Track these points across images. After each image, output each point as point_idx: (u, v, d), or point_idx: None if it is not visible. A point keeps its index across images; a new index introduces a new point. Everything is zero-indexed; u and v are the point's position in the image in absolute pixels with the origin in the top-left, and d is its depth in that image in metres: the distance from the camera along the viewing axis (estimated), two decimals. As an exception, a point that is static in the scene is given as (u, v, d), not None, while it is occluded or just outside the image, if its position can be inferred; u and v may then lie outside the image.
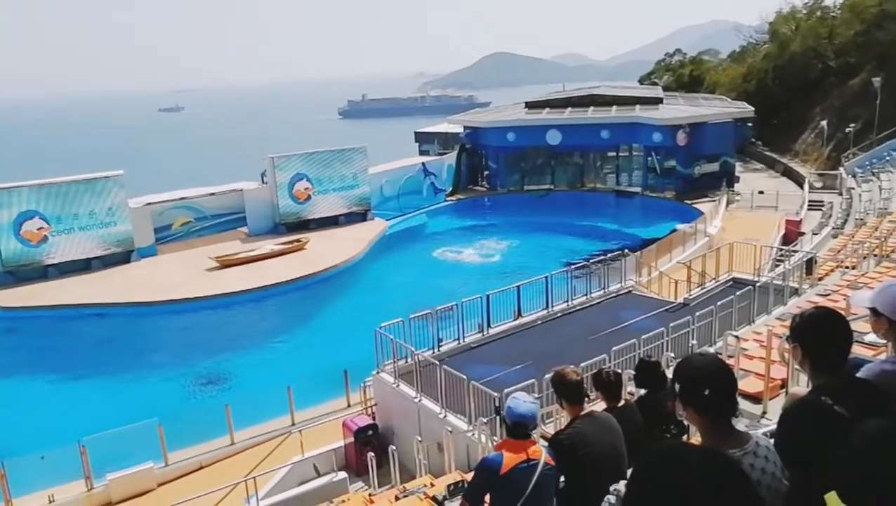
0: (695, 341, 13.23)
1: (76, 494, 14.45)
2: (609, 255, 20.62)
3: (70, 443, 14.57)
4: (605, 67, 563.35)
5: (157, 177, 63.65)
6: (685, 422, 5.88)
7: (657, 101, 43.95)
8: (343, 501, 11.99)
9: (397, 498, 9.16)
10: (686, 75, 68.74)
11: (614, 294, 19.02)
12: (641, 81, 75.02)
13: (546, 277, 18.14)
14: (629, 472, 1.65)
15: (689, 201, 37.15)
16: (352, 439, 14.71)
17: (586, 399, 4.76)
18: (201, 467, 15.61)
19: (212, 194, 34.71)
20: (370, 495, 12.06)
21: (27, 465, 14.21)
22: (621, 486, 3.31)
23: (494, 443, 10.86)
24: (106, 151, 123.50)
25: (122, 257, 30.76)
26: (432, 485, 9.43)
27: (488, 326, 16.73)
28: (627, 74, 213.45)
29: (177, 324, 25.88)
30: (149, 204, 32.50)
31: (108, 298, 26.67)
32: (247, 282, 27.52)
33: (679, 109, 42.03)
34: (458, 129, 48.13)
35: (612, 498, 3.30)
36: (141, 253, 31.28)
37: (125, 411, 17.96)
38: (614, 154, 43.65)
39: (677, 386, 2.51)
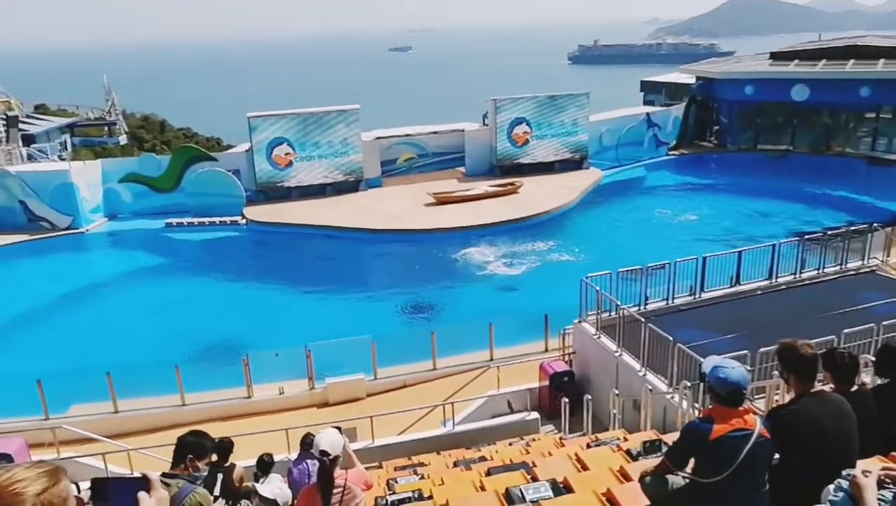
0: (956, 334, 11.42)
1: (300, 390, 16.40)
2: (852, 228, 18.33)
3: (297, 346, 16.50)
4: (876, 14, 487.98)
5: (384, 113, 67.61)
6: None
7: (940, 54, 37.37)
8: (534, 439, 12.33)
9: (589, 446, 9.19)
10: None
11: (853, 272, 16.95)
12: (921, 31, 64.18)
13: (773, 246, 16.70)
14: None
15: (964, 175, 31.64)
16: (547, 383, 14.96)
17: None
18: (405, 386, 16.86)
19: (435, 133, 36.25)
20: (561, 438, 12.24)
21: (264, 359, 16.38)
22: (857, 472, 3.00)
23: (696, 408, 10.42)
24: (340, 86, 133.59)
25: (352, 186, 33.47)
26: (626, 439, 9.32)
27: (701, 289, 15.85)
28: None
29: (395, 252, 27.89)
30: (378, 138, 34.83)
31: (339, 221, 29.33)
32: (461, 219, 28.69)
33: (967, 66, 35.39)
34: (689, 79, 44.98)
35: (843, 483, 3.01)
36: (369, 183, 33.80)
37: (343, 325, 19.93)
38: (874, 115, 38.13)
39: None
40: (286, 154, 32.31)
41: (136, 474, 2.56)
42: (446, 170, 36.08)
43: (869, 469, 3.07)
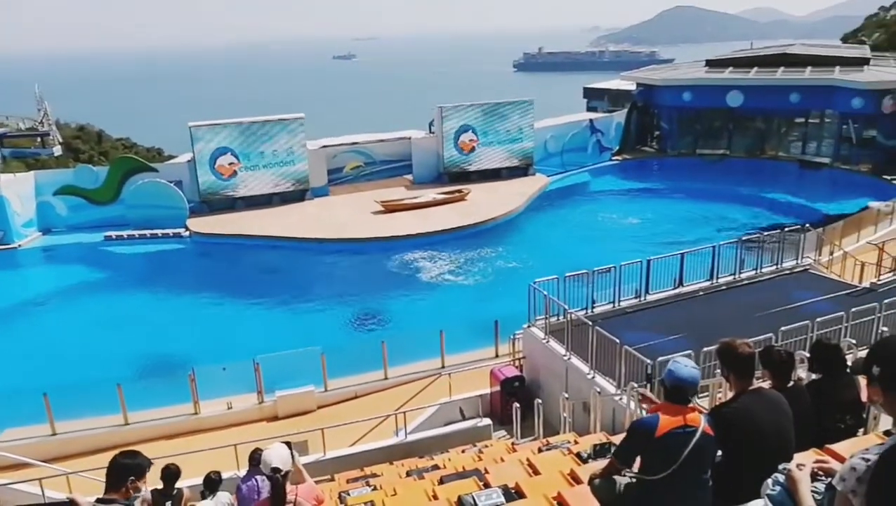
0: (885, 329, 11.96)
1: (249, 405, 16.04)
2: (786, 229, 19.07)
3: (245, 359, 16.14)
4: (804, 24, 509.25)
5: (330, 122, 67.10)
6: (865, 412, 5.42)
7: (862, 62, 39.22)
8: (486, 445, 12.36)
9: (540, 450, 9.27)
10: (903, 33, 60.51)
11: (788, 272, 17.64)
12: (845, 40, 67.25)
13: (713, 247, 17.24)
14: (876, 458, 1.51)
15: (888, 177, 33.25)
16: (498, 388, 15.03)
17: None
18: (356, 397, 16.68)
19: (382, 141, 36.16)
20: (513, 443, 12.32)
21: (211, 373, 15.97)
22: (792, 466, 3.12)
23: (643, 409, 10.62)
24: (284, 94, 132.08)
25: (298, 195, 33.05)
26: (576, 442, 9.43)
27: (646, 291, 16.22)
28: (829, 32, 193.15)
29: (343, 261, 27.63)
30: (324, 147, 34.51)
31: (285, 232, 28.92)
32: (409, 227, 28.66)
33: (889, 72, 37.25)
34: (630, 86, 46.12)
35: (780, 477, 3.12)
36: (315, 192, 33.45)
37: (292, 336, 19.62)
38: (803, 120, 39.81)
39: (876, 369, 2.28)
40: (230, 164, 31.71)
41: (64, 500, 2.46)
42: (394, 178, 35.99)
43: (803, 463, 3.19)
